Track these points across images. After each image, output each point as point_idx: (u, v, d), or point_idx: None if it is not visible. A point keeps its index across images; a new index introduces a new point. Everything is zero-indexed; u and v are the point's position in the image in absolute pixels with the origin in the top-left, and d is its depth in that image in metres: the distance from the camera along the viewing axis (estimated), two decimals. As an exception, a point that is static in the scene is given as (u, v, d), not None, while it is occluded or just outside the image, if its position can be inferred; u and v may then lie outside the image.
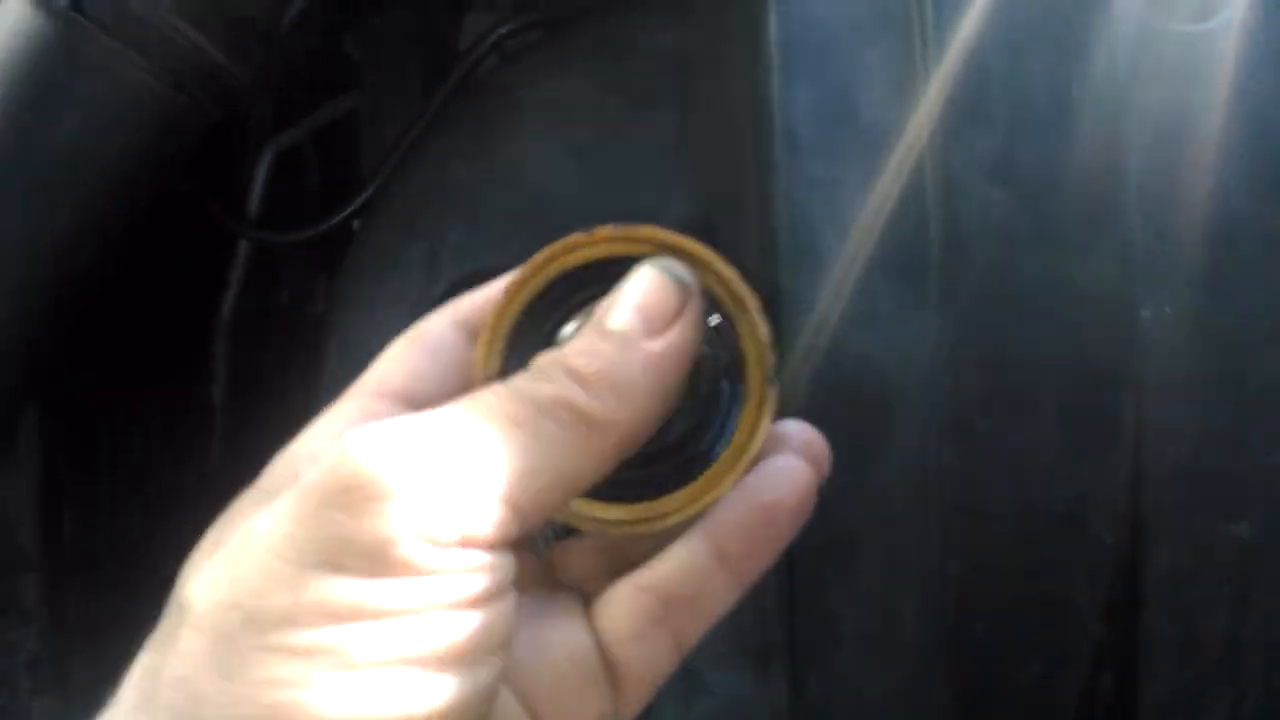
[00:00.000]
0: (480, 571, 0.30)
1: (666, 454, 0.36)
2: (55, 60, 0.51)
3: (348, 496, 0.29)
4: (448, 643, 0.29)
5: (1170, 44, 0.53)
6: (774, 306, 0.54)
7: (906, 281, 0.52)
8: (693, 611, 0.36)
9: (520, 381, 0.32)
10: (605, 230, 0.34)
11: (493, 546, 0.31)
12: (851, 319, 0.53)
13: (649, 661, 0.36)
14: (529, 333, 0.35)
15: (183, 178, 0.69)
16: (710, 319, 0.35)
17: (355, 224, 0.72)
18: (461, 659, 0.30)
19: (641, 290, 0.33)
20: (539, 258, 0.34)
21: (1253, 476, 0.53)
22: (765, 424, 0.35)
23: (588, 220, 0.59)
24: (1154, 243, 0.51)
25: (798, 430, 0.38)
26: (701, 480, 0.35)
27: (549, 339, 0.35)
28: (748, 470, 0.36)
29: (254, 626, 0.28)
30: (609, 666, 0.36)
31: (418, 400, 0.35)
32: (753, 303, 0.35)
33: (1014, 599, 0.55)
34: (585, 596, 0.37)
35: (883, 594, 0.54)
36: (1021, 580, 0.55)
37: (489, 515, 0.30)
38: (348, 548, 0.29)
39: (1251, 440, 0.52)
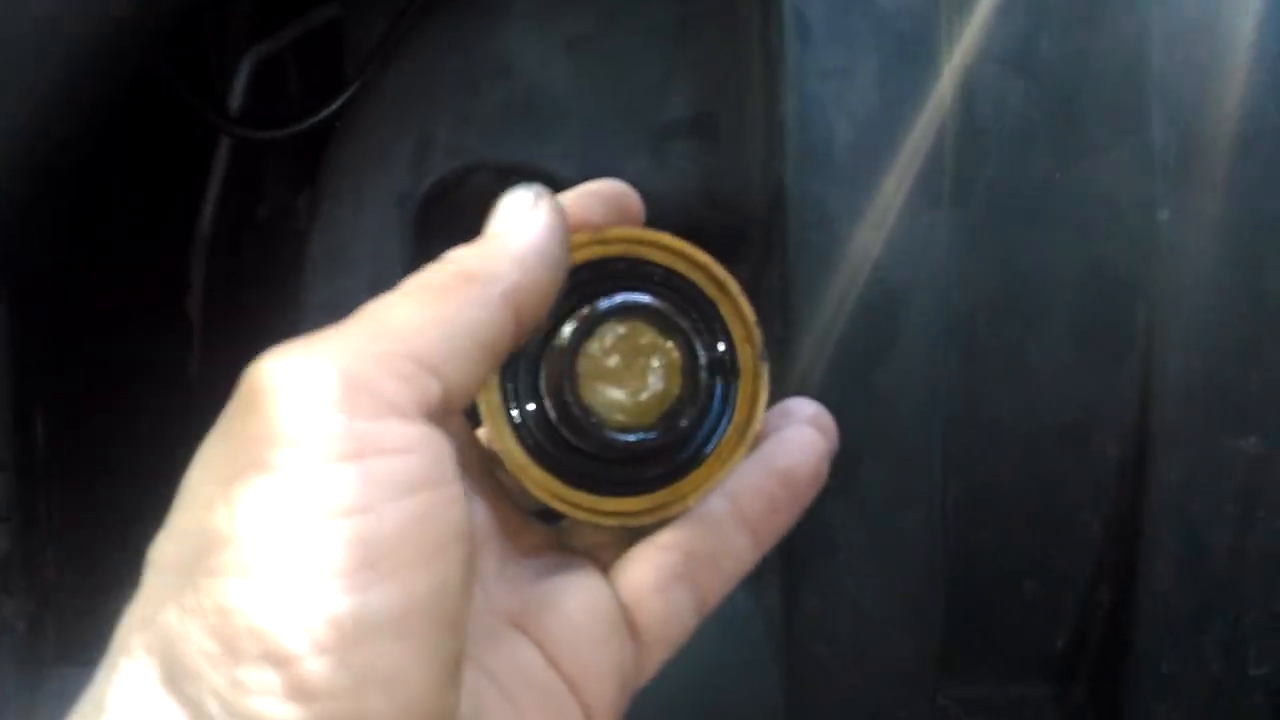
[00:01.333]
0: (412, 452, 0.29)
1: (669, 449, 0.37)
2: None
3: (255, 399, 0.28)
4: (388, 534, 0.28)
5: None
6: (780, 205, 0.53)
7: (919, 179, 0.51)
8: (714, 569, 0.36)
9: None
10: (581, 236, 0.36)
11: (417, 414, 0.30)
12: (860, 219, 0.51)
13: (670, 617, 0.36)
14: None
15: (165, 75, 0.66)
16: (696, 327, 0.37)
17: (339, 125, 0.70)
18: (407, 550, 0.28)
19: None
20: None
21: (1264, 389, 0.52)
22: (763, 398, 0.37)
23: (583, 115, 0.58)
24: (1175, 142, 0.50)
25: (805, 405, 0.39)
26: (711, 460, 0.37)
27: (547, 341, 0.36)
28: (753, 446, 0.37)
29: (200, 553, 0.27)
30: (630, 620, 0.36)
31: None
32: (734, 286, 0.37)
33: (1015, 512, 0.55)
34: (602, 564, 0.37)
35: (882, 505, 0.54)
36: (1023, 493, 0.54)
37: (402, 375, 0.29)
38: (262, 447, 0.28)
39: (1265, 352, 0.51)
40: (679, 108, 0.58)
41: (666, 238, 0.37)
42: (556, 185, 0.58)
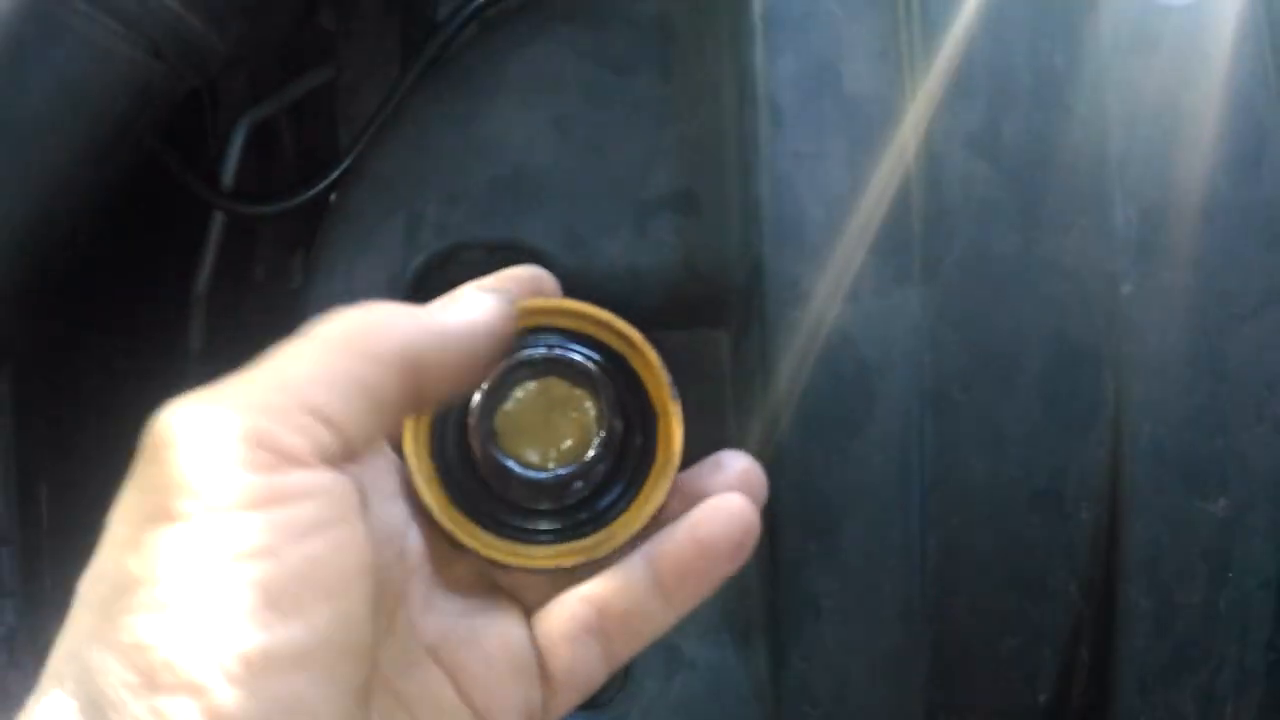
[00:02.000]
0: (310, 498, 0.31)
1: (591, 497, 0.39)
2: (29, 25, 0.50)
3: (160, 450, 0.30)
4: (289, 574, 0.30)
5: (1156, 20, 0.53)
6: (758, 280, 0.54)
7: (889, 256, 0.52)
8: (624, 628, 0.38)
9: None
10: None
11: (316, 461, 0.31)
12: (833, 294, 0.52)
13: (579, 667, 0.38)
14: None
15: (158, 148, 0.68)
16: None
17: (332, 197, 0.72)
18: (308, 589, 0.30)
19: None
20: None
21: (1229, 454, 0.53)
22: (679, 433, 0.39)
23: (569, 192, 0.59)
24: (1136, 219, 0.51)
25: (736, 459, 0.40)
26: (637, 502, 0.39)
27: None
28: (673, 478, 0.39)
29: (117, 592, 0.29)
30: (542, 664, 0.37)
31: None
32: (637, 336, 0.39)
33: (993, 573, 0.55)
34: (528, 604, 0.39)
35: (863, 568, 0.54)
36: (1000, 555, 0.55)
37: (299, 426, 0.31)
38: (168, 496, 0.30)
39: (1229, 418, 0.52)
40: (661, 184, 0.59)
41: (571, 303, 0.39)
42: (542, 261, 0.60)
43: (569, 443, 0.39)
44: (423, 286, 0.60)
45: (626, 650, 0.38)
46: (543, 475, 0.38)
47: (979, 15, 0.52)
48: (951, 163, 0.51)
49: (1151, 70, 0.52)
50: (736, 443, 0.63)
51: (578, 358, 0.39)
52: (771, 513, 0.55)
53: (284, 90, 0.79)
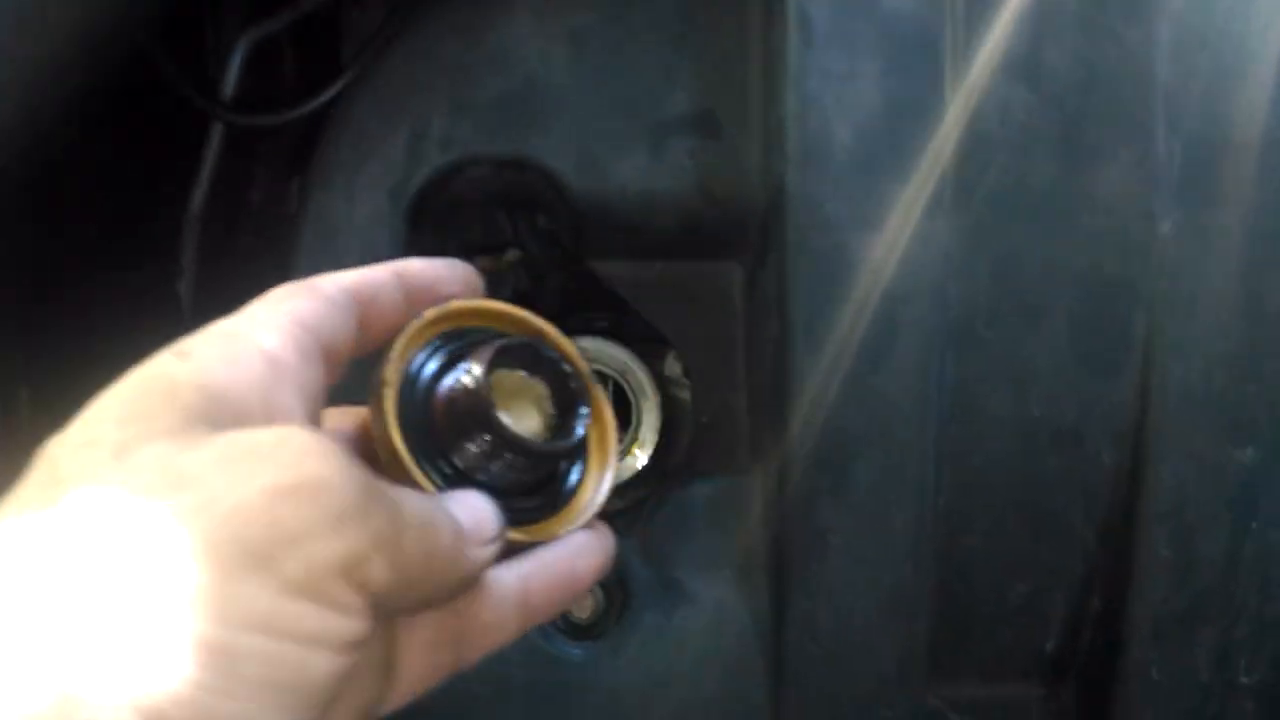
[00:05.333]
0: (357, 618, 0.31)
1: (544, 485, 0.40)
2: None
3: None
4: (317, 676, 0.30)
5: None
6: (779, 206, 0.52)
7: (919, 184, 0.50)
8: (482, 640, 0.38)
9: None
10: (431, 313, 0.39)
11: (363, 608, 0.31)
12: (859, 221, 0.51)
13: (427, 674, 0.38)
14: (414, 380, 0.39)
15: (155, 53, 0.65)
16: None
17: (333, 113, 0.69)
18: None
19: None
20: (412, 328, 0.39)
21: (1261, 400, 0.51)
22: (606, 408, 0.41)
23: (582, 110, 0.57)
24: (1180, 153, 0.49)
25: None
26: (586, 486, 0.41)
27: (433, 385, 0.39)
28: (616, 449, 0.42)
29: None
30: (390, 663, 0.37)
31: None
32: (551, 329, 0.41)
33: (1007, 514, 0.54)
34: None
35: (874, 504, 0.53)
36: (1016, 496, 0.54)
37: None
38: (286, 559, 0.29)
39: (1264, 364, 0.51)
40: (680, 104, 0.57)
41: (495, 304, 0.40)
42: (552, 180, 0.57)
43: (534, 426, 0.40)
44: (426, 204, 0.58)
45: (473, 659, 0.39)
46: (541, 445, 0.39)
47: (1024, -67, 0.50)
48: (990, 88, 0.49)
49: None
50: (745, 376, 0.62)
51: (536, 349, 0.40)
52: (781, 448, 0.54)
53: (287, 7, 0.76)
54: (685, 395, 0.62)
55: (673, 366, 0.64)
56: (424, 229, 0.59)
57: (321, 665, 0.30)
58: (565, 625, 0.60)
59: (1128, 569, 0.54)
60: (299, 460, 0.30)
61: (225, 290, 0.82)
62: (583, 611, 0.61)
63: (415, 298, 0.39)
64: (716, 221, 0.58)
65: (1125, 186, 0.50)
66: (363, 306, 0.37)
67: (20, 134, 0.49)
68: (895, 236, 0.50)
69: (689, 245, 0.59)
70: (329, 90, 0.65)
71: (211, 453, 0.30)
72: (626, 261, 0.60)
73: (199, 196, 0.82)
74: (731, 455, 0.61)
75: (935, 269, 0.51)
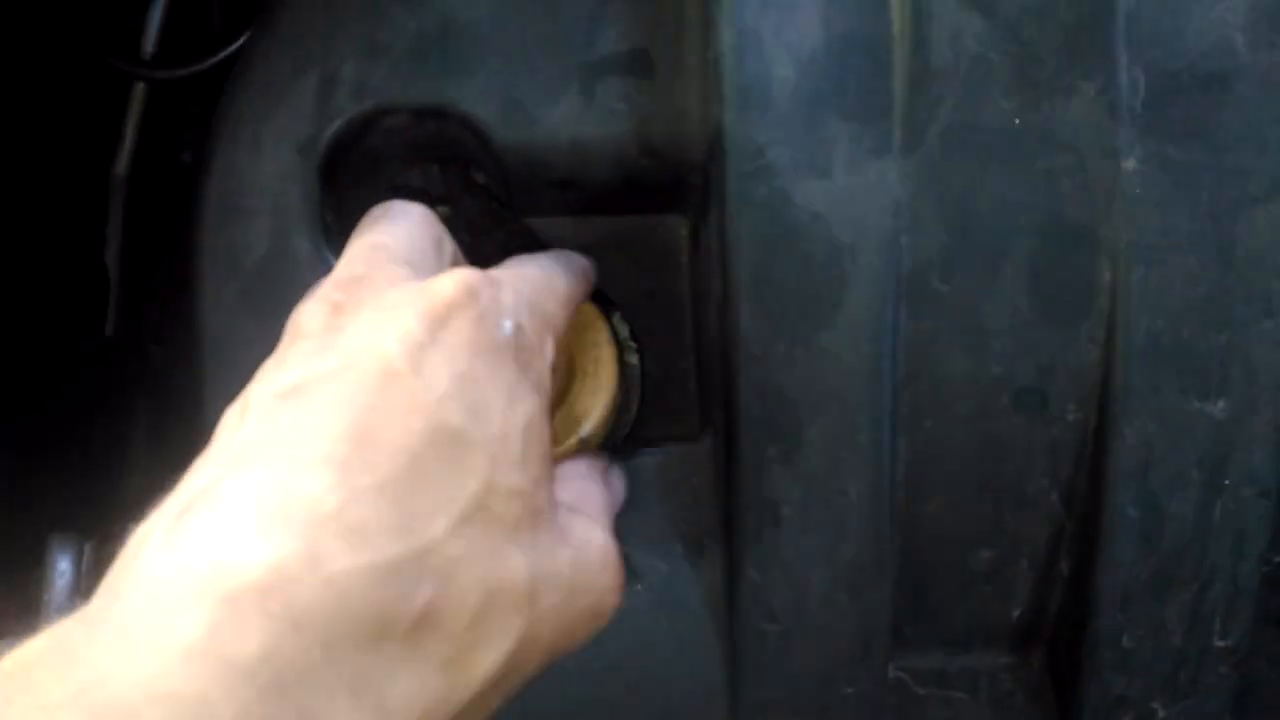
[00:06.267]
0: None
1: None
2: None
3: None
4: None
5: None
6: (718, 153, 0.49)
7: (866, 124, 0.47)
8: None
9: None
10: None
11: None
12: (802, 167, 0.47)
13: None
14: None
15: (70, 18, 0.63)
16: None
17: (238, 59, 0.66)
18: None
19: None
20: None
21: (1232, 351, 0.49)
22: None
23: (505, 50, 0.53)
24: (1143, 84, 0.46)
25: None
26: None
27: None
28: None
29: None
30: None
31: None
32: None
33: (968, 479, 0.52)
34: None
35: (827, 472, 0.51)
36: (977, 459, 0.52)
37: None
38: None
39: (1234, 312, 0.48)
40: (611, 42, 0.53)
41: None
42: (475, 130, 0.54)
43: None
44: (340, 157, 0.54)
45: None
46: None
47: None
48: (941, 16, 0.46)
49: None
50: (693, 337, 0.59)
51: None
52: (729, 413, 0.51)
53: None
54: (634, 360, 0.59)
55: (621, 328, 0.60)
56: (341, 185, 0.55)
57: None
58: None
59: (1095, 532, 0.51)
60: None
61: (155, 256, 0.80)
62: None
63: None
64: (656, 172, 0.54)
65: (1086, 122, 0.47)
66: None
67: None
68: (842, 182, 0.47)
69: (629, 199, 0.56)
70: (240, 38, 0.61)
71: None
72: (566, 219, 0.57)
73: (124, 156, 0.80)
74: (680, 422, 0.58)
75: (885, 217, 0.48)
